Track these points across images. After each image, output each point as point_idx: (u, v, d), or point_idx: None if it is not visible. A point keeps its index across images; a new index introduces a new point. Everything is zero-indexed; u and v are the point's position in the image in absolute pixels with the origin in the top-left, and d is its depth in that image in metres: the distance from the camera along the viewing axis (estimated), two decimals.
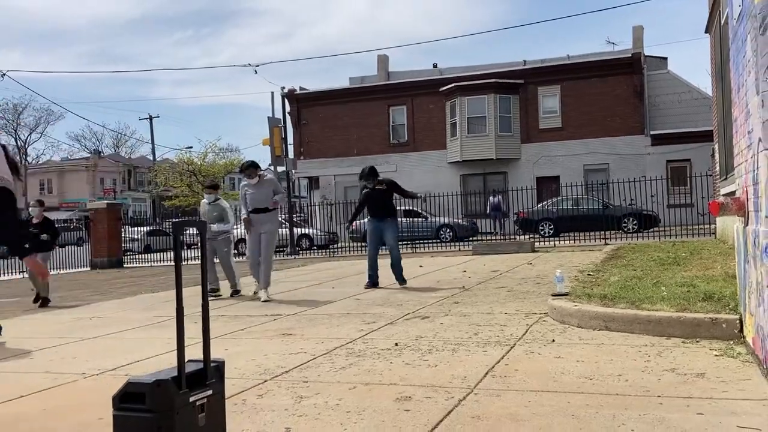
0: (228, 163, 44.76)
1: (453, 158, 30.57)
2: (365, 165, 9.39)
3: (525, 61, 32.09)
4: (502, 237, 20.86)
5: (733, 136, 4.88)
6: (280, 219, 8.72)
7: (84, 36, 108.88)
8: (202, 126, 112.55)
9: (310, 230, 25.02)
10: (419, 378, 3.91)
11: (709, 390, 3.34)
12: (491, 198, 24.78)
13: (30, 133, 67.23)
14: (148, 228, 29.15)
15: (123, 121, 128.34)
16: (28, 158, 68.26)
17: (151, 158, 54.53)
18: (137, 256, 22.16)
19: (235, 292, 9.28)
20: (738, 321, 4.38)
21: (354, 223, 10.08)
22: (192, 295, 5.69)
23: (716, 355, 4.04)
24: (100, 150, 69.86)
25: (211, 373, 2.32)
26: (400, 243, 9.34)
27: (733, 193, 6.55)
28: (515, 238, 19.96)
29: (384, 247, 9.42)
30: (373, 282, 9.14)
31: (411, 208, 23.18)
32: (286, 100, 30.52)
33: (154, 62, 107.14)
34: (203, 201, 9.88)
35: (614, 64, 28.83)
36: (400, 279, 9.17)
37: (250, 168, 8.71)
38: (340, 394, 3.65)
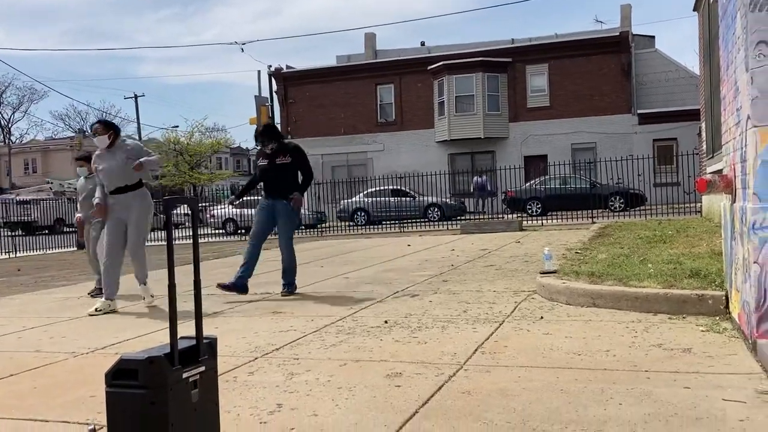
0: (215, 142, 44.42)
1: (441, 137, 30.55)
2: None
3: (513, 39, 32.00)
4: (490, 216, 20.94)
5: (721, 114, 4.90)
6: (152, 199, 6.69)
7: (68, 13, 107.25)
8: (189, 105, 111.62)
9: None
10: (409, 354, 3.93)
11: (696, 365, 3.39)
12: (476, 178, 24.83)
13: (13, 113, 66.60)
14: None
15: (108, 99, 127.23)
16: (11, 138, 67.50)
17: (137, 137, 54.03)
18: None
19: (99, 291, 7.29)
20: (724, 297, 4.43)
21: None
22: (181, 274, 5.67)
23: (702, 331, 4.09)
24: (84, 129, 69.11)
25: (203, 350, 2.32)
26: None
27: (720, 171, 6.60)
28: (503, 217, 20.03)
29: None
30: (239, 284, 6.64)
31: (399, 187, 23.19)
32: (273, 79, 30.31)
33: (138, 40, 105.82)
34: (80, 177, 8.20)
35: (602, 43, 28.84)
36: (288, 286, 6.78)
37: (95, 125, 6.56)
38: (330, 370, 3.67)
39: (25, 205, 28.55)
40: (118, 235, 6.41)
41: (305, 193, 6.86)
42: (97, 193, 6.51)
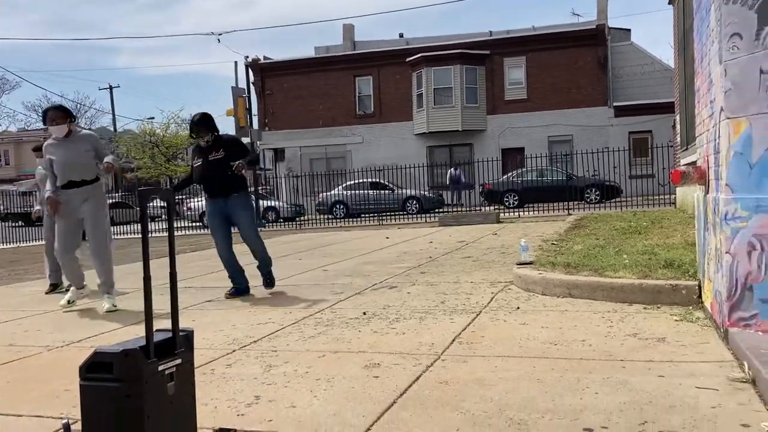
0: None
1: (419, 130, 30.55)
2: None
3: (491, 32, 32.09)
4: (468, 208, 21.04)
5: (696, 106, 4.96)
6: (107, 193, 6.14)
7: (40, 2, 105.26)
8: (164, 96, 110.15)
9: (276, 203, 24.87)
10: (387, 345, 3.94)
11: (670, 353, 3.44)
12: (451, 170, 24.88)
13: None
14: (111, 200, 28.58)
15: (82, 91, 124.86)
16: None
17: (112, 129, 53.32)
18: None
19: (54, 287, 7.33)
20: (697, 287, 4.50)
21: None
22: (157, 267, 5.60)
23: (676, 320, 4.15)
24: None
25: (180, 342, 2.30)
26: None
27: (694, 163, 6.68)
28: (481, 210, 20.13)
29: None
30: (242, 288, 6.31)
31: (377, 180, 23.19)
32: (249, 70, 30.05)
33: (114, 30, 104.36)
34: (39, 167, 7.53)
35: (579, 36, 29.01)
36: (269, 280, 6.43)
37: (53, 111, 5.94)
38: (309, 362, 3.66)
39: (27, 197, 28.19)
40: (74, 230, 5.96)
41: (284, 187, 6.74)
42: (48, 186, 5.99)
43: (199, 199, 24.60)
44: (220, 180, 6.12)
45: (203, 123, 6.12)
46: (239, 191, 6.25)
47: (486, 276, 6.57)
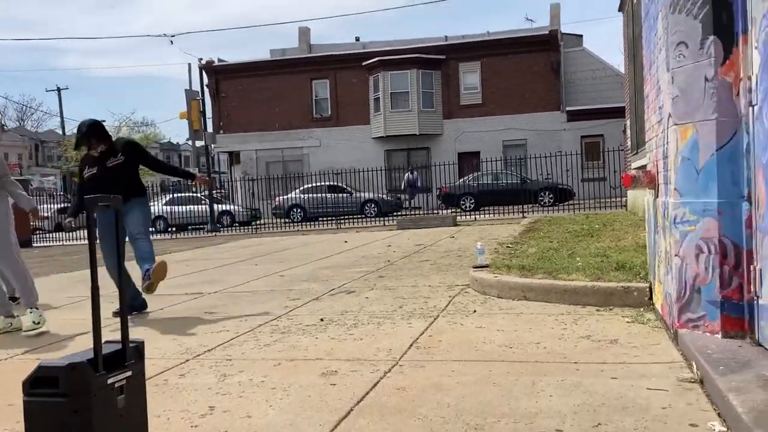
0: (143, 137, 43.14)
1: (377, 133, 30.61)
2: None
3: (446, 36, 32.36)
4: (425, 212, 21.15)
5: (645, 112, 5.08)
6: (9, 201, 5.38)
7: None
8: (116, 98, 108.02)
9: (232, 207, 24.58)
10: (345, 352, 3.92)
11: (622, 355, 3.50)
12: (408, 174, 25.00)
13: None
14: (60, 205, 27.80)
15: (28, 92, 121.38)
16: None
17: (61, 132, 51.91)
18: (48, 235, 21.19)
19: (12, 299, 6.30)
20: (648, 289, 4.60)
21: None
22: (106, 276, 5.48)
23: (628, 322, 4.23)
24: (3, 123, 65.91)
25: (130, 354, 2.24)
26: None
27: (644, 166, 6.84)
28: (438, 213, 20.26)
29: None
30: (135, 306, 5.62)
31: (335, 183, 23.13)
32: (204, 72, 29.65)
33: (62, 30, 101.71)
34: None
35: (532, 41, 29.49)
36: (146, 278, 5.33)
37: None
38: (264, 371, 3.61)
39: None
40: None
41: (240, 191, 6.61)
42: None
43: (153, 203, 24.15)
44: (121, 187, 5.29)
45: (94, 133, 5.46)
46: (139, 197, 5.63)
47: (443, 279, 6.60)
